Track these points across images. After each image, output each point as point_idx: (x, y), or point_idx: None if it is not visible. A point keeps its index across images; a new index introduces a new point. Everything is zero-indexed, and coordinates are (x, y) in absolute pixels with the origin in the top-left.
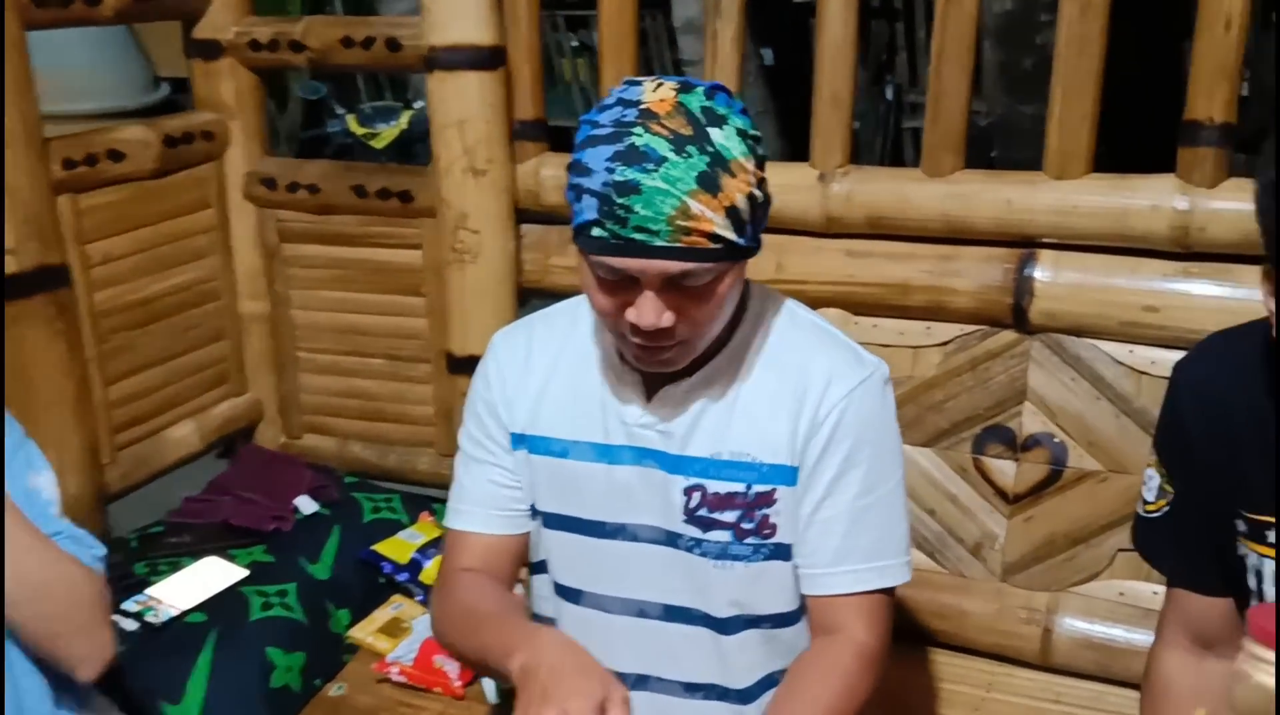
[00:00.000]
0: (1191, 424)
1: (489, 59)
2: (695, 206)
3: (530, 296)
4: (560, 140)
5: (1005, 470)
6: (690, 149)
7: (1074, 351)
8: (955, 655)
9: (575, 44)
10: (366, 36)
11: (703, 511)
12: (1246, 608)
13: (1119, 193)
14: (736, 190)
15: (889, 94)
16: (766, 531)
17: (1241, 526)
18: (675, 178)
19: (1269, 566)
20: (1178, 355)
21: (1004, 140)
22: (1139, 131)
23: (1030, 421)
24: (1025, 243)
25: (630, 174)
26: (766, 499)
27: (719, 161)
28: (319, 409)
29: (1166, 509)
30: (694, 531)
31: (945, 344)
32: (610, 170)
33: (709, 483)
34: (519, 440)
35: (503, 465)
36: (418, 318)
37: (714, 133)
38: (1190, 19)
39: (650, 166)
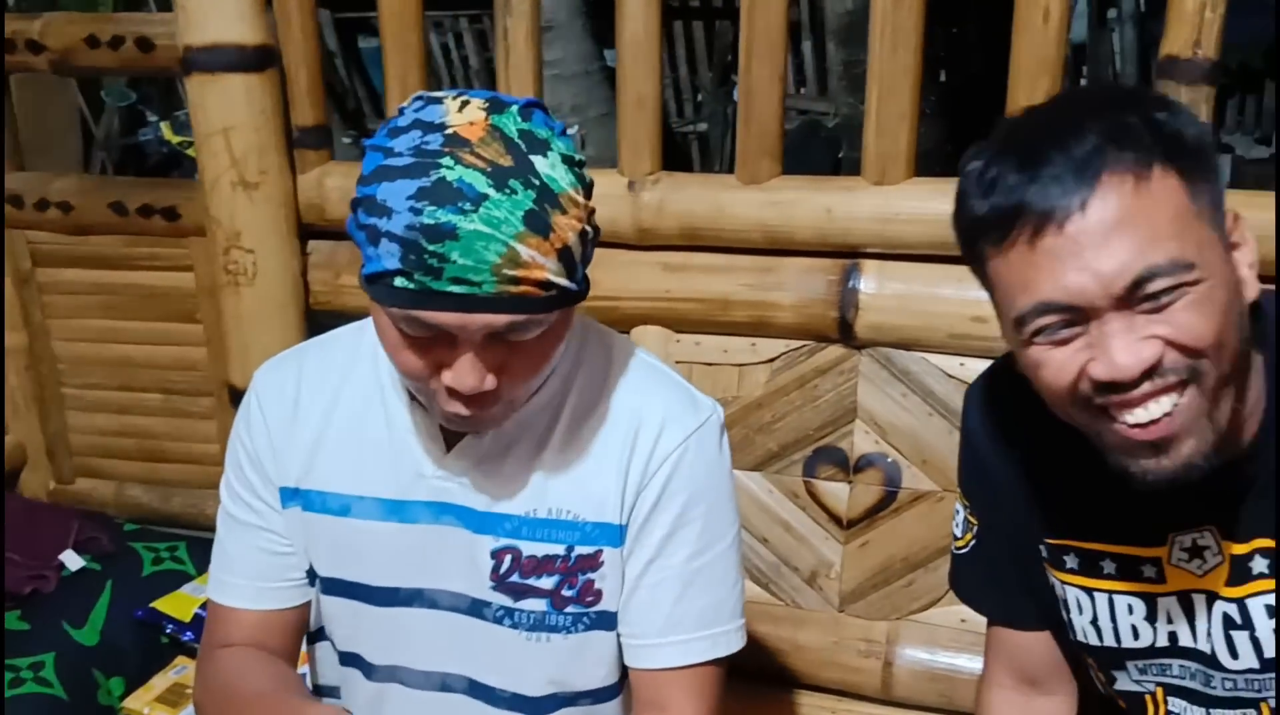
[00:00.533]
0: (985, 451)
1: (255, 60)
2: (524, 252)
3: (322, 320)
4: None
5: (838, 493)
6: (513, 184)
7: (903, 366)
8: (791, 693)
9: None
10: (114, 36)
11: (514, 577)
12: (1065, 641)
13: (942, 197)
14: (568, 228)
15: (735, 95)
16: (590, 599)
17: (1043, 553)
18: (499, 219)
19: (1072, 594)
20: None
21: (852, 140)
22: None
23: (862, 441)
24: (848, 253)
25: (443, 216)
26: (590, 562)
27: (547, 196)
28: (91, 450)
29: (974, 543)
30: (504, 600)
31: (771, 361)
32: (416, 211)
33: (523, 544)
34: (290, 495)
35: (272, 528)
36: (196, 346)
37: (538, 162)
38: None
39: (467, 207)
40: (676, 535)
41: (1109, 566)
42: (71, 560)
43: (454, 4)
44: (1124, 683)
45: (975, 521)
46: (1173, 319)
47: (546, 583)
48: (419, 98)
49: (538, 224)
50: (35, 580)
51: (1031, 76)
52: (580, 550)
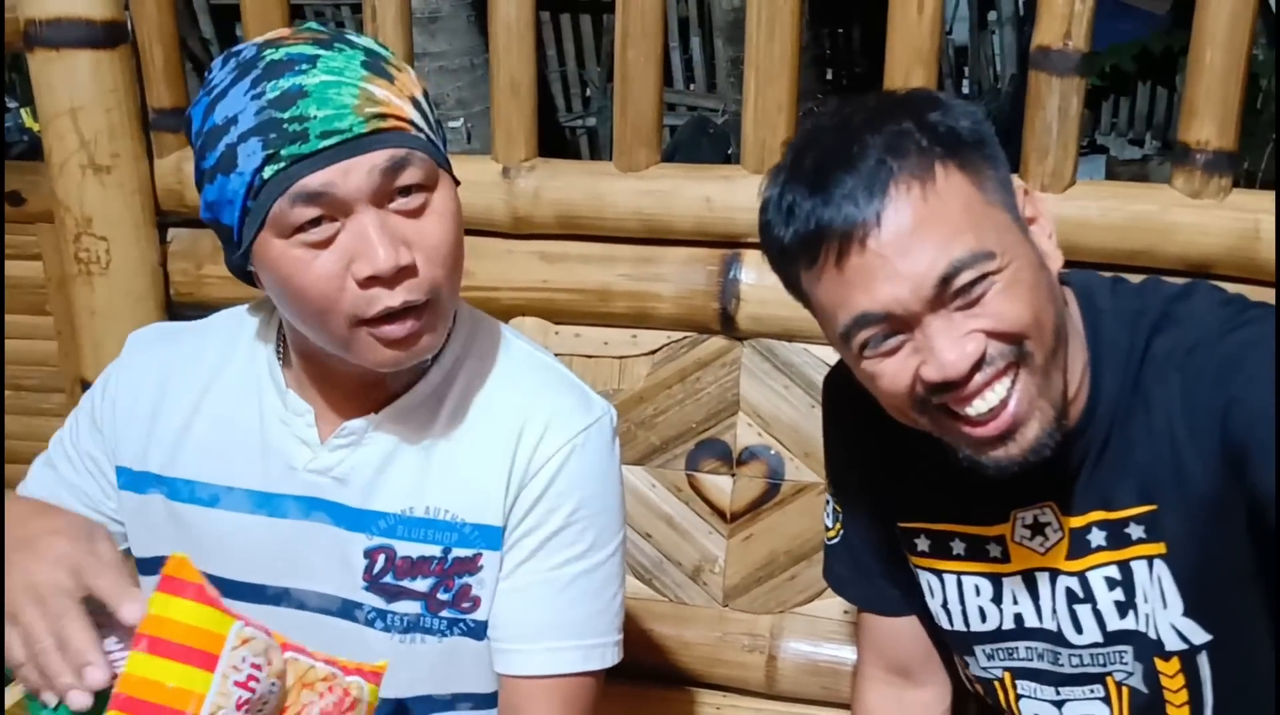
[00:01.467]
0: (843, 439)
1: (105, 36)
2: (378, 92)
3: (183, 313)
4: None
5: (722, 487)
6: (339, 45)
7: (785, 357)
8: (677, 690)
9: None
10: None
11: (388, 578)
12: (930, 628)
13: None
14: (409, 84)
15: None
16: (466, 605)
17: (897, 534)
18: (339, 68)
19: (924, 577)
20: None
21: (740, 137)
22: None
23: (745, 433)
24: (729, 243)
25: (286, 83)
26: (469, 565)
27: (375, 55)
28: None
29: (841, 532)
30: (376, 601)
31: (653, 353)
32: (258, 95)
33: (397, 544)
34: (149, 481)
35: (88, 492)
36: (46, 340)
37: (351, 37)
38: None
39: (304, 66)
40: (555, 539)
41: (958, 547)
42: None
43: None
44: (974, 668)
45: (840, 510)
46: (987, 310)
47: (421, 585)
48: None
49: (378, 69)
50: None
51: (906, 68)
52: (458, 552)
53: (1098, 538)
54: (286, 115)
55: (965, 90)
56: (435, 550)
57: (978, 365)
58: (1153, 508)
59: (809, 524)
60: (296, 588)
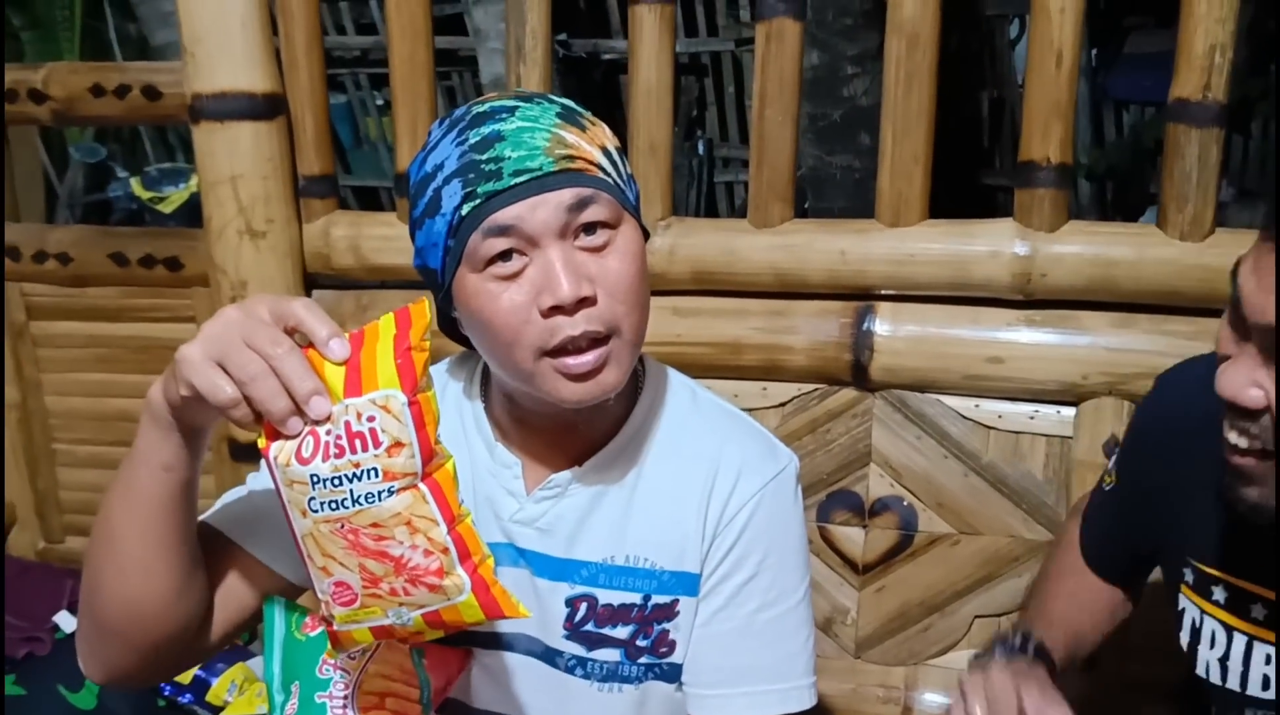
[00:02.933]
0: (1149, 442)
1: (264, 108)
2: (568, 137)
3: None
4: (367, 200)
5: (853, 538)
6: (538, 100)
7: (918, 408)
8: None
9: (380, 102)
10: (120, 84)
11: (589, 626)
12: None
13: (956, 239)
14: (602, 135)
15: (700, 148)
16: (664, 650)
17: (1189, 576)
18: (536, 115)
19: (1209, 625)
20: (1025, 407)
21: (817, 191)
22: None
23: (877, 485)
24: (862, 295)
25: (486, 129)
26: (667, 612)
27: (571, 109)
28: (83, 507)
29: (1113, 485)
30: (577, 649)
31: (783, 405)
32: (462, 142)
33: (599, 592)
34: None
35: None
36: None
37: (552, 96)
38: (981, 70)
39: (504, 115)
40: (749, 585)
41: (1258, 611)
42: (67, 621)
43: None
44: None
45: (1114, 480)
46: None
47: (621, 632)
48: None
49: (571, 119)
50: (30, 642)
51: (1044, 122)
52: (657, 599)
53: None
54: (485, 157)
55: None
56: (636, 598)
57: None
58: None
59: (942, 575)
60: (507, 631)
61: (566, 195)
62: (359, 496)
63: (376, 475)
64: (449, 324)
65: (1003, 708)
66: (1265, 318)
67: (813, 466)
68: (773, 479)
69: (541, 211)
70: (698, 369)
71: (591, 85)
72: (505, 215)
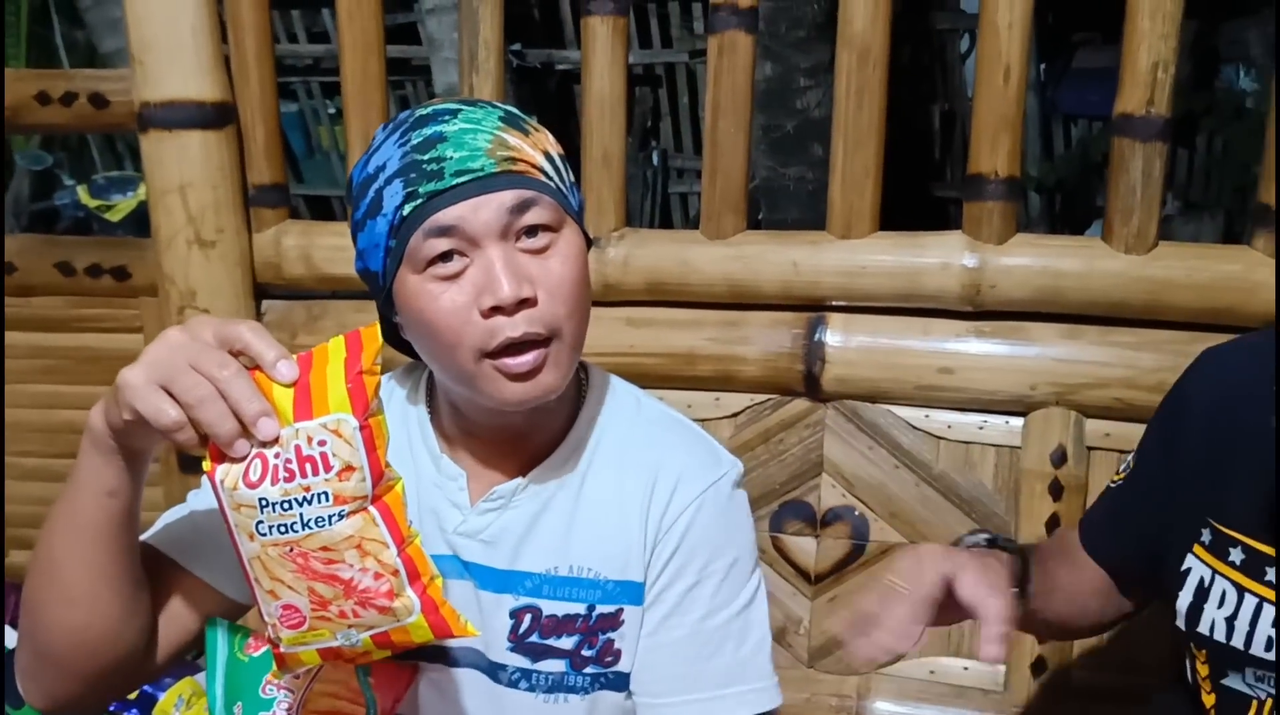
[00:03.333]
0: (1193, 412)
1: (214, 117)
2: (510, 140)
3: None
4: (319, 209)
5: (806, 548)
6: (481, 104)
7: (869, 418)
8: None
9: (333, 110)
10: (67, 92)
11: (534, 638)
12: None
13: (907, 251)
14: (544, 141)
15: (655, 159)
16: (610, 659)
17: (1205, 536)
18: (478, 119)
19: (1221, 585)
20: (974, 417)
21: (770, 202)
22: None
23: (829, 494)
24: (814, 306)
25: (428, 130)
26: (612, 621)
27: (513, 114)
28: (28, 521)
29: (1122, 481)
30: (521, 661)
31: (736, 416)
32: (404, 143)
33: (544, 603)
34: None
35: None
36: None
37: (495, 103)
38: (932, 83)
39: (447, 117)
40: (693, 592)
41: (1271, 574)
42: (9, 637)
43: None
44: (1234, 682)
45: (1134, 466)
46: None
47: (566, 643)
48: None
49: (514, 123)
50: None
51: (993, 135)
52: (602, 609)
53: None
54: (426, 157)
55: None
56: (580, 608)
57: None
58: None
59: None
60: (450, 646)
61: (508, 197)
62: (309, 520)
63: (327, 499)
64: (391, 330)
65: (918, 580)
66: None
67: (765, 477)
68: (711, 485)
69: (483, 212)
70: (651, 380)
71: (546, 95)
72: (447, 215)
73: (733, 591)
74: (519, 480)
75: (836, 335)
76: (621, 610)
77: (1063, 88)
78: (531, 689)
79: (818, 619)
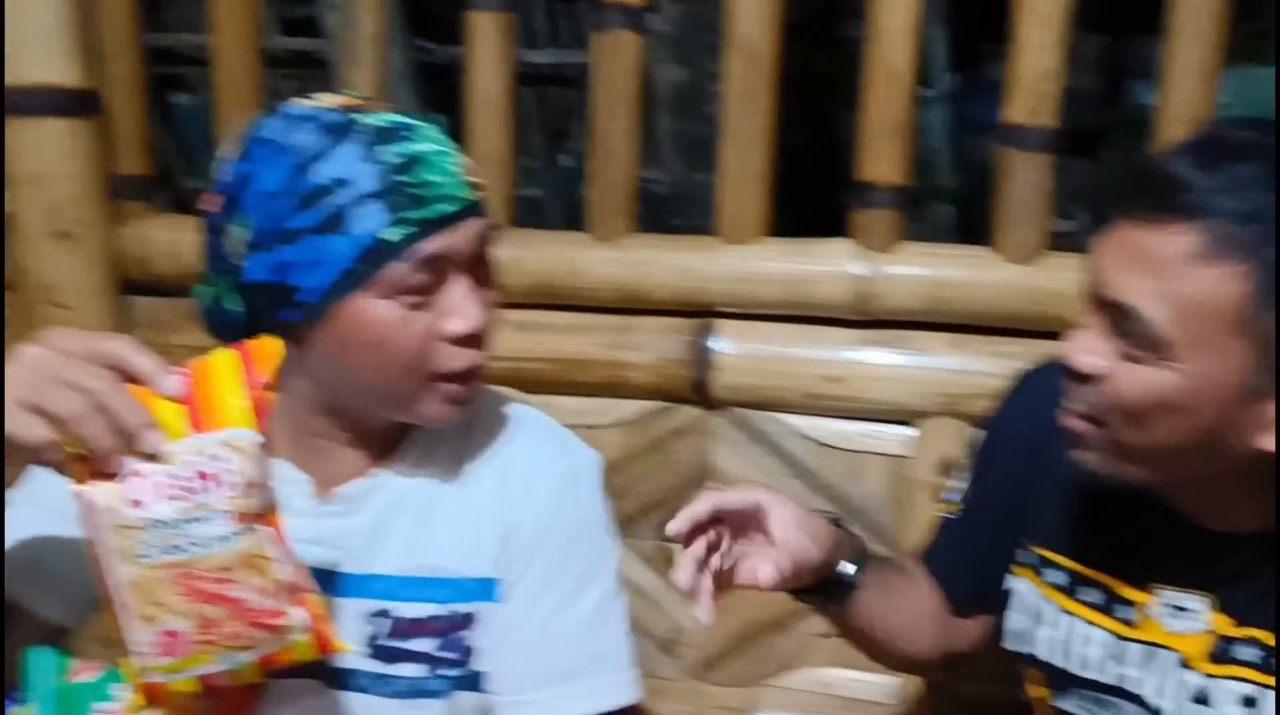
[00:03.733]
0: (1010, 435)
1: (77, 104)
2: (466, 161)
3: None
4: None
5: None
6: (410, 115)
7: (759, 426)
8: None
9: None
10: None
11: (389, 642)
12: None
13: (796, 258)
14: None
15: (567, 161)
16: (467, 659)
17: (1026, 557)
18: (435, 136)
19: (1048, 608)
20: (864, 426)
21: (683, 208)
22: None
23: None
24: (704, 312)
25: (403, 148)
26: (468, 620)
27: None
28: None
29: (962, 513)
30: (376, 667)
31: (625, 423)
32: (377, 160)
33: (397, 606)
34: None
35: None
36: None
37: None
38: (852, 86)
39: (409, 134)
40: (552, 585)
41: (1090, 596)
42: None
43: (278, 63)
44: (1065, 704)
45: (972, 496)
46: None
47: (423, 645)
48: (258, 122)
49: (454, 143)
50: None
51: (880, 142)
52: (457, 608)
53: (1250, 654)
54: (409, 180)
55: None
56: (436, 609)
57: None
58: None
59: (783, 594)
60: None
61: (480, 225)
62: (205, 540)
63: (225, 517)
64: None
65: (726, 503)
66: (1119, 295)
67: (654, 485)
68: (562, 477)
69: (461, 242)
70: (539, 385)
71: (453, 92)
72: (435, 246)
73: (588, 585)
74: (365, 480)
75: (726, 342)
76: (478, 608)
77: (974, 98)
78: (389, 695)
79: (707, 630)
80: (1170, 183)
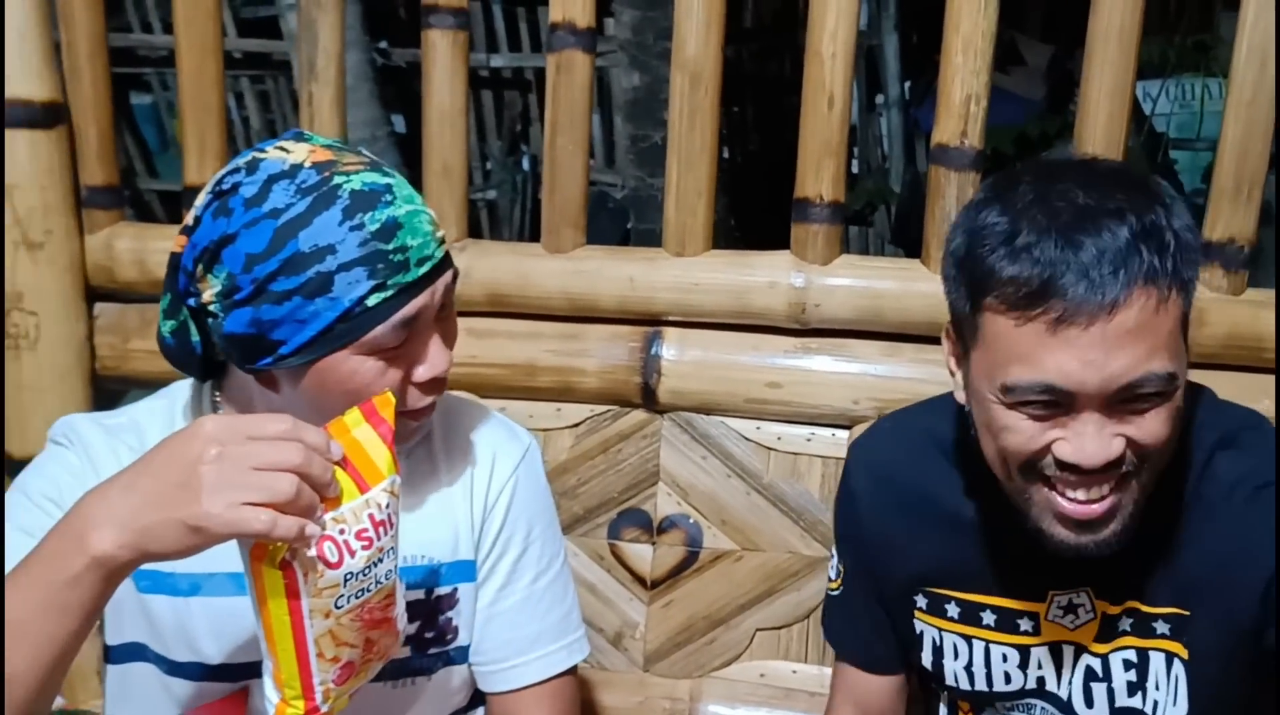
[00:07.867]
0: (865, 505)
1: (43, 116)
2: (433, 212)
3: (108, 386)
4: (172, 205)
5: (642, 555)
6: (386, 169)
7: (703, 429)
8: None
9: None
10: None
11: None
12: (924, 682)
13: (738, 269)
14: None
15: (525, 164)
16: (450, 636)
17: (921, 602)
18: (409, 194)
19: (949, 640)
20: (802, 430)
21: (638, 212)
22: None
23: (665, 503)
24: (650, 321)
25: (381, 214)
26: (449, 601)
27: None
28: None
29: (843, 588)
30: None
31: (576, 426)
32: (357, 227)
33: None
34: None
35: None
36: None
37: (383, 165)
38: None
39: (388, 197)
40: (522, 559)
41: (989, 618)
42: None
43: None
44: None
45: (844, 568)
46: (1144, 425)
47: (409, 629)
48: (227, 173)
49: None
50: None
51: (817, 160)
52: (439, 591)
53: (1125, 624)
54: (390, 247)
55: (854, 169)
56: (419, 594)
57: (1109, 464)
58: (1184, 613)
59: (726, 590)
60: None
61: (447, 277)
62: (380, 576)
63: (392, 553)
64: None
65: None
66: (1126, 375)
67: (604, 485)
68: (522, 459)
69: (432, 297)
70: (493, 390)
71: (411, 94)
72: (413, 307)
73: (552, 553)
74: None
75: (672, 349)
76: (457, 589)
77: (924, 107)
78: (379, 679)
79: (653, 624)
80: (1085, 276)
